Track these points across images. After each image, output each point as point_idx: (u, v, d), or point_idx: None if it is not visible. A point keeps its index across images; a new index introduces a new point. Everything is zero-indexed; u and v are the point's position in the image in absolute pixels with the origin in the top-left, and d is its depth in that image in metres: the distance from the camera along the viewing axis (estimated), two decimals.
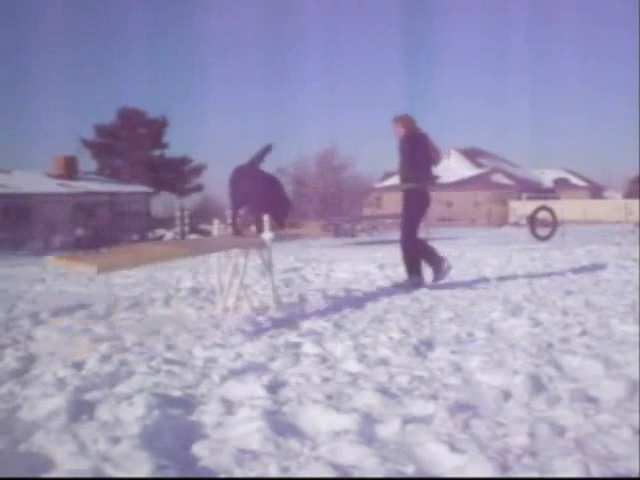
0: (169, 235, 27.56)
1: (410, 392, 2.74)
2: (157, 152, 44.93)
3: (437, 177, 7.92)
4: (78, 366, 3.29)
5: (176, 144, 45.81)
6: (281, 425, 2.33)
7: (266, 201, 5.40)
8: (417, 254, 6.72)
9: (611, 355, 3.23)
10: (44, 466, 2.03)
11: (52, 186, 31.91)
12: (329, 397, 2.66)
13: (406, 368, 3.14)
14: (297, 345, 3.71)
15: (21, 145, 71.31)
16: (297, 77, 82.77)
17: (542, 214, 18.89)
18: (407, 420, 2.35)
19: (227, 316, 4.89)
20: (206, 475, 2.00)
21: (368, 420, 2.36)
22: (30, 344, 4.03)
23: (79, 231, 24.89)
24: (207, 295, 6.01)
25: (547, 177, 55.75)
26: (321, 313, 4.91)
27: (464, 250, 12.52)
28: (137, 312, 5.25)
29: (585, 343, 3.59)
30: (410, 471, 1.97)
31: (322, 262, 10.30)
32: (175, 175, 44.34)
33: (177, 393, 2.78)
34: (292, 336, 3.96)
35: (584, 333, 3.87)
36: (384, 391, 2.72)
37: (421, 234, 7.42)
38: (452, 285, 6.63)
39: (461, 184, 51.14)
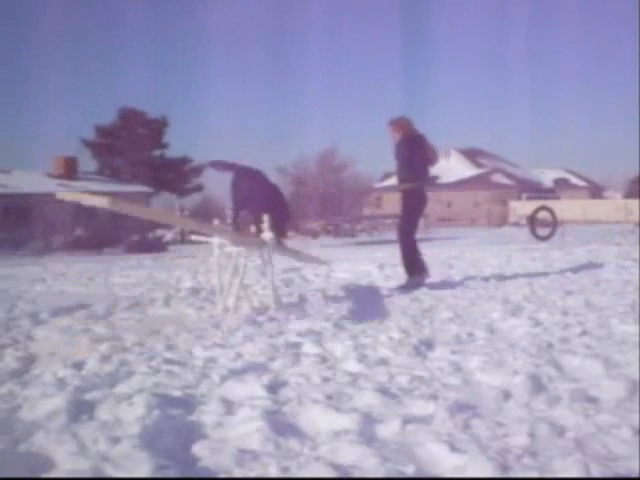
0: (169, 235, 27.57)
1: (410, 392, 2.74)
2: (157, 152, 44.96)
3: (435, 177, 7.99)
4: (78, 366, 3.29)
5: (176, 144, 45.89)
6: (281, 425, 2.33)
7: (267, 207, 5.42)
8: (417, 253, 6.73)
9: (611, 355, 3.23)
10: (44, 466, 2.03)
11: (52, 186, 31.84)
12: (329, 397, 2.66)
13: (406, 368, 3.14)
14: (297, 345, 3.71)
15: (21, 145, 71.42)
16: (298, 77, 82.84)
17: (542, 214, 18.89)
18: (407, 420, 2.35)
19: (227, 316, 4.89)
20: (206, 475, 2.00)
21: (368, 420, 2.36)
22: (30, 344, 4.03)
23: (79, 231, 24.85)
24: (207, 295, 6.01)
25: (547, 177, 55.77)
26: (321, 313, 4.91)
27: (464, 250, 12.52)
28: (137, 312, 5.25)
29: (585, 343, 3.59)
30: (410, 471, 1.97)
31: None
32: (175, 175, 44.37)
33: (177, 393, 2.78)
34: (292, 336, 3.96)
35: (584, 333, 3.87)
36: (384, 391, 2.72)
37: (420, 234, 7.43)
38: (452, 285, 6.63)
39: (461, 184, 51.16)
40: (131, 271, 9.90)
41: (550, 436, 2.20)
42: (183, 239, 24.79)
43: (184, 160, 45.14)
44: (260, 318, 4.69)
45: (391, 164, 7.14)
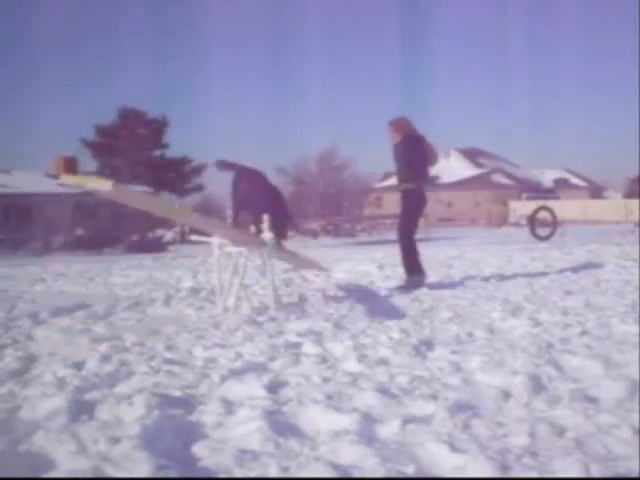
0: (169, 235, 27.56)
1: (410, 392, 2.74)
2: (157, 152, 44.95)
3: (435, 177, 8.05)
4: (78, 366, 3.28)
5: (176, 144, 45.92)
6: (281, 425, 2.33)
7: (267, 208, 5.43)
8: (417, 253, 6.74)
9: (611, 355, 3.23)
10: (44, 466, 2.03)
11: (52, 186, 31.88)
12: (329, 397, 2.66)
13: (406, 368, 3.14)
14: (297, 345, 3.71)
15: (21, 145, 71.40)
16: (298, 77, 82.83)
17: (542, 214, 18.92)
18: (407, 420, 2.34)
19: (227, 316, 4.89)
20: (206, 475, 2.00)
21: (368, 420, 2.36)
22: (30, 344, 4.03)
23: (79, 231, 24.85)
24: (207, 295, 6.01)
25: (547, 177, 55.78)
26: (321, 313, 4.91)
27: (464, 250, 12.52)
28: (137, 312, 5.25)
29: (585, 343, 3.59)
30: (410, 471, 1.97)
31: (322, 262, 10.30)
32: (175, 175, 44.36)
33: (177, 393, 2.78)
34: (292, 336, 3.96)
35: (584, 333, 3.87)
36: (384, 391, 2.72)
37: (420, 234, 7.44)
38: (452, 285, 6.63)
39: (461, 184, 51.16)
40: (131, 271, 9.90)
41: (550, 436, 2.20)
42: (183, 239, 24.79)
43: (184, 160, 45.14)
44: (260, 318, 4.69)
45: (391, 164, 7.15)
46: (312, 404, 2.53)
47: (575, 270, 7.78)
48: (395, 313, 4.84)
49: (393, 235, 8.22)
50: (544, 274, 7.43)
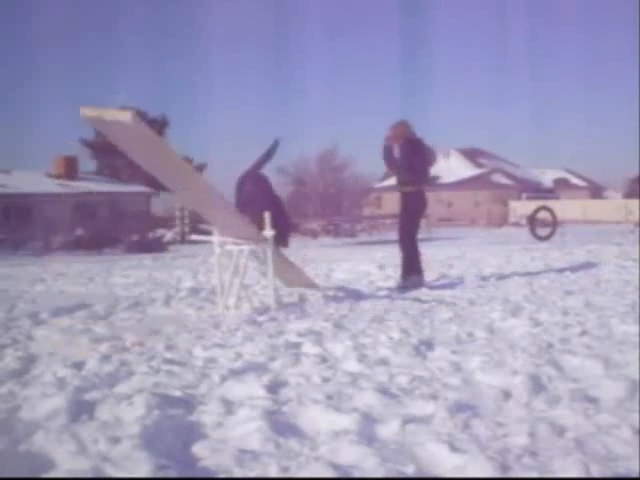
0: (169, 235, 27.56)
1: (410, 392, 2.74)
2: None
3: (435, 178, 8.18)
4: (78, 366, 3.28)
5: (176, 144, 45.77)
6: (281, 425, 2.33)
7: (268, 210, 5.41)
8: (417, 254, 6.77)
9: (611, 355, 3.23)
10: (44, 466, 2.03)
11: (52, 186, 31.92)
12: (329, 397, 2.66)
13: (406, 368, 3.14)
14: (297, 345, 3.71)
15: (21, 145, 71.40)
16: (298, 77, 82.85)
17: (542, 214, 18.93)
18: (407, 420, 2.35)
19: (227, 316, 4.89)
20: (206, 475, 2.00)
21: (368, 420, 2.36)
22: (30, 344, 4.03)
23: (79, 231, 24.83)
24: (207, 295, 6.01)
25: (547, 177, 55.76)
26: (321, 313, 4.91)
27: (464, 250, 12.52)
28: (137, 312, 5.24)
29: (585, 343, 3.59)
30: (410, 471, 1.97)
31: (322, 262, 10.30)
32: None
33: (177, 393, 2.78)
34: (292, 336, 3.96)
35: (584, 333, 3.87)
36: (384, 391, 2.72)
37: (421, 234, 7.47)
38: (452, 285, 6.64)
39: (461, 184, 51.16)
40: (131, 271, 9.91)
41: (550, 436, 2.20)
42: (183, 239, 24.80)
43: (184, 160, 45.14)
44: (260, 318, 4.69)
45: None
46: (312, 404, 2.53)
47: (575, 270, 7.78)
48: (395, 313, 4.84)
49: (393, 235, 8.24)
50: (544, 274, 7.43)
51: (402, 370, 3.09)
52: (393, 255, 8.25)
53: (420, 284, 6.50)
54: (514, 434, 2.22)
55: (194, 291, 6.42)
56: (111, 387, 2.90)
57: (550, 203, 21.29)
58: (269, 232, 5.26)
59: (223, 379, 2.97)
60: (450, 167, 50.94)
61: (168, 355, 3.53)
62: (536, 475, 1.92)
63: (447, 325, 4.27)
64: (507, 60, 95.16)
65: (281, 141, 6.17)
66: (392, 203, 33.84)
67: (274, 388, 2.82)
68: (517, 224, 27.39)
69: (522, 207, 27.50)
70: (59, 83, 78.40)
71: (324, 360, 3.36)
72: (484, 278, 7.14)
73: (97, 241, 21.85)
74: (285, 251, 6.03)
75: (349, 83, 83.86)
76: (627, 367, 3.00)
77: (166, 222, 31.50)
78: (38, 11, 79.09)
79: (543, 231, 17.76)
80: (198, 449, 2.16)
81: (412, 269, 6.70)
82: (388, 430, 2.28)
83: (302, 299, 5.72)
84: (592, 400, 2.59)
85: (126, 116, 4.13)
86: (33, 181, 31.67)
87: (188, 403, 2.65)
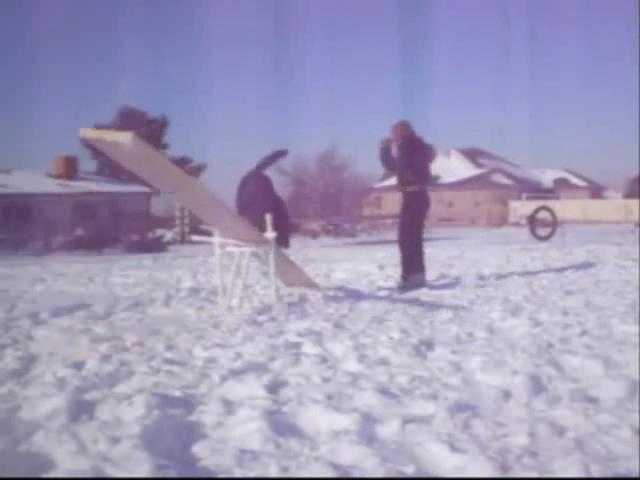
0: (169, 235, 27.56)
1: (410, 392, 2.74)
2: None
3: (436, 177, 8.18)
4: (78, 366, 3.28)
5: (176, 144, 45.93)
6: (281, 425, 2.33)
7: (270, 212, 5.41)
8: (421, 253, 6.77)
9: (611, 355, 3.23)
10: (44, 466, 2.03)
11: (52, 186, 31.90)
12: (329, 397, 2.66)
13: (406, 368, 3.14)
14: (297, 345, 3.71)
15: (21, 145, 71.38)
16: (298, 77, 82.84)
17: (542, 214, 18.93)
18: (407, 420, 2.35)
19: (227, 316, 4.89)
20: (206, 475, 2.00)
21: (368, 420, 2.36)
22: (30, 344, 4.03)
23: (79, 231, 24.83)
24: (207, 295, 6.01)
25: (547, 177, 55.75)
26: (321, 313, 4.91)
27: (464, 250, 12.53)
28: (137, 312, 5.24)
29: (585, 343, 3.59)
30: (410, 471, 1.97)
31: (322, 262, 10.31)
32: None
33: (177, 393, 2.78)
34: (292, 336, 3.96)
35: (584, 333, 3.87)
36: (384, 391, 2.72)
37: (424, 234, 7.47)
38: (452, 285, 6.64)
39: (461, 184, 51.15)
40: (131, 271, 9.90)
41: (550, 436, 2.20)
42: (183, 239, 24.80)
43: (184, 160, 45.12)
44: (260, 318, 4.69)
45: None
46: (312, 404, 2.53)
47: (575, 270, 7.78)
48: (395, 313, 4.84)
49: (393, 235, 8.23)
50: (544, 274, 7.43)
51: (402, 370, 3.09)
52: (393, 255, 8.25)
53: (421, 282, 6.50)
54: (514, 434, 2.22)
55: (194, 291, 6.42)
56: (111, 387, 2.90)
57: (550, 203, 21.29)
58: (271, 234, 5.26)
59: (223, 379, 2.97)
60: (450, 167, 50.94)
61: (168, 355, 3.53)
62: (536, 475, 1.92)
63: (447, 325, 4.28)
64: (507, 60, 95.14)
65: (288, 153, 6.24)
66: (392, 203, 33.86)
67: (274, 388, 2.82)
68: (517, 224, 27.39)
69: (522, 207, 27.50)
70: (59, 83, 78.36)
71: (324, 360, 3.36)
72: (484, 278, 7.14)
73: (97, 241, 21.85)
74: (285, 251, 6.04)
75: (349, 83, 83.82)
76: (627, 367, 3.01)
77: (166, 222, 31.52)
78: (38, 11, 79.08)
79: (543, 231, 17.76)
80: (198, 449, 2.16)
81: (412, 268, 6.70)
82: (388, 430, 2.28)
83: (302, 299, 5.72)
84: (592, 400, 2.59)
85: (126, 138, 4.09)
86: (33, 181, 31.65)
87: (188, 403, 2.65)
